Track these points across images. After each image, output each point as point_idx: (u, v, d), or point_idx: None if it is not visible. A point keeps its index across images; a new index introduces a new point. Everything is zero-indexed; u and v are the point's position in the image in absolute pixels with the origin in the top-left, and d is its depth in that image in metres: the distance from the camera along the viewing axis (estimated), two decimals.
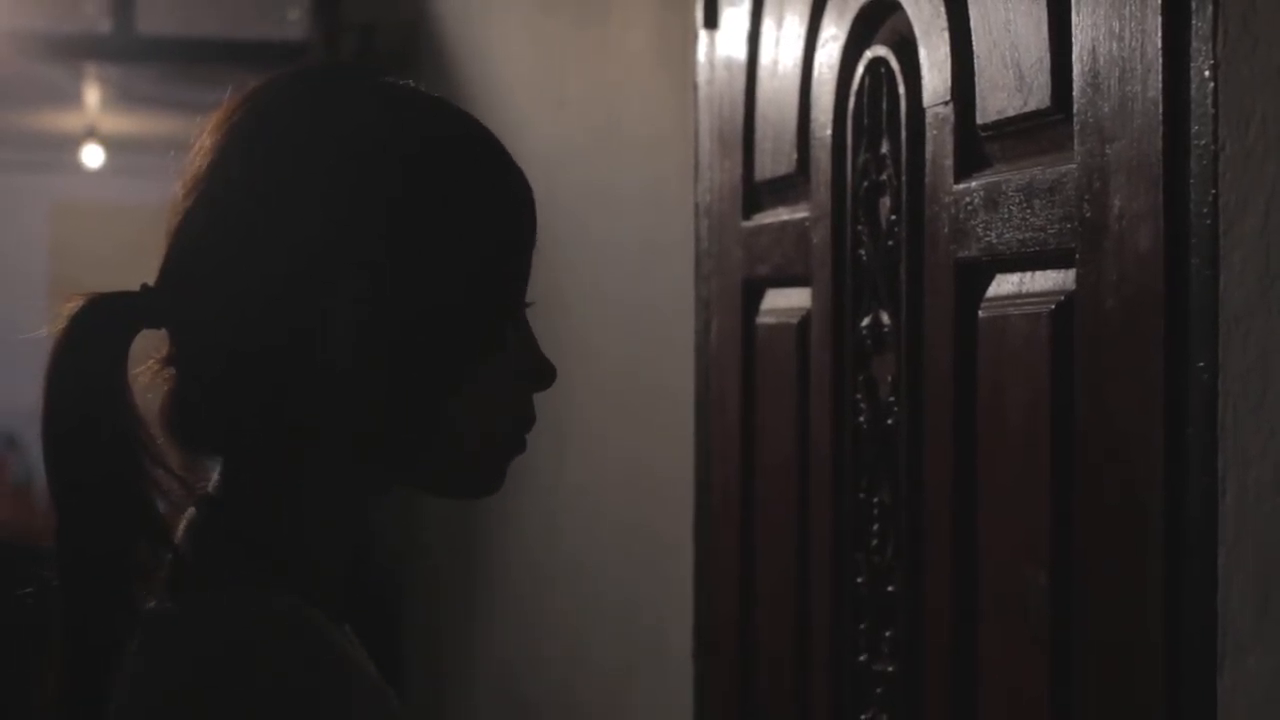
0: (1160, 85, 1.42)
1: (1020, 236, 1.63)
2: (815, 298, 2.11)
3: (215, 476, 1.23)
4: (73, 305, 1.18)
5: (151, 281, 1.21)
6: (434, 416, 1.20)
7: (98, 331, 1.17)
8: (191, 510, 1.23)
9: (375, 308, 1.17)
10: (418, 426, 1.20)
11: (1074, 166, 1.54)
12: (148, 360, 1.22)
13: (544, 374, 1.24)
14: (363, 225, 1.17)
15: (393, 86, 1.24)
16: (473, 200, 1.21)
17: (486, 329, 1.21)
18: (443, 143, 1.21)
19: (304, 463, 1.20)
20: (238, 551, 1.19)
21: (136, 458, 1.16)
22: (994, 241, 1.68)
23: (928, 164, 1.82)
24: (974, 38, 1.74)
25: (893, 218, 1.90)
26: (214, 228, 1.19)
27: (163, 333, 1.21)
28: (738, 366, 2.37)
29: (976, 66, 1.73)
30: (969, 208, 1.72)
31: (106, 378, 1.16)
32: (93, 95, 8.66)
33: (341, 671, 1.12)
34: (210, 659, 1.11)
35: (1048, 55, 1.59)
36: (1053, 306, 1.58)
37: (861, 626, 1.97)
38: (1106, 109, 1.49)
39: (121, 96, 8.65)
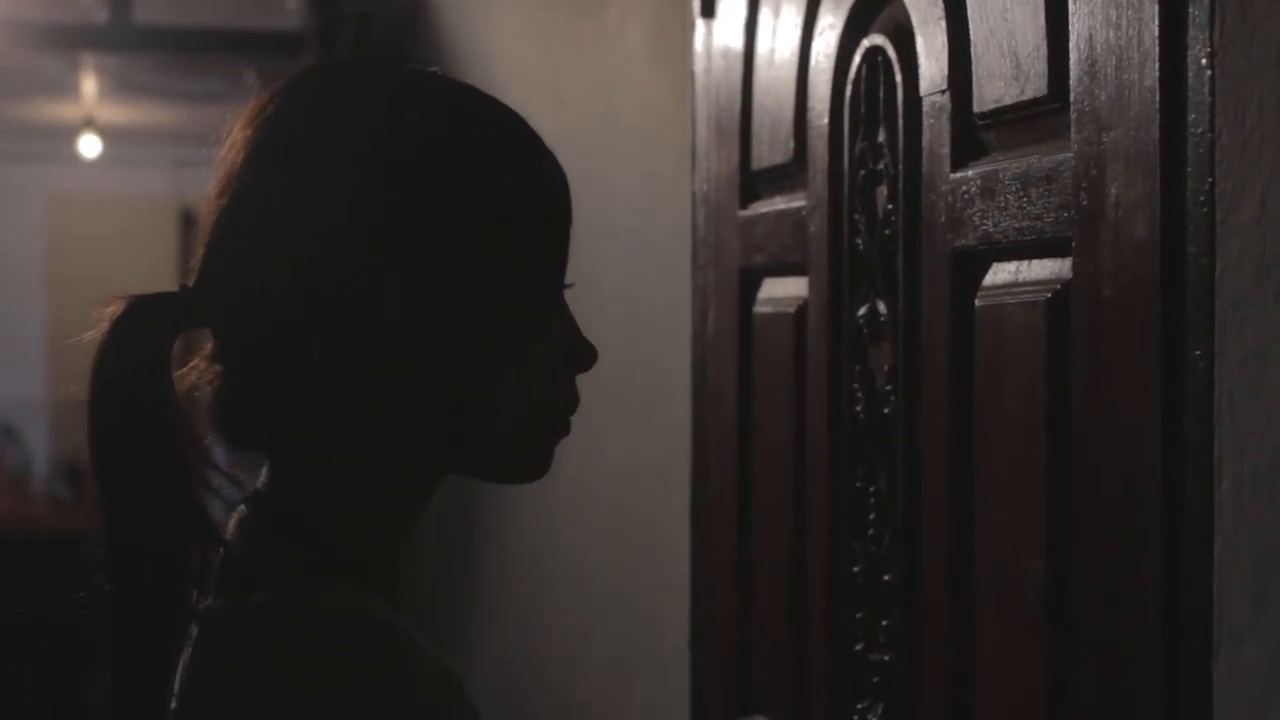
0: (1157, 73, 1.42)
1: (1017, 225, 1.63)
2: (812, 287, 2.11)
3: (264, 474, 1.23)
4: (114, 307, 1.17)
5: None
6: (483, 403, 1.20)
7: (141, 333, 1.16)
8: (242, 508, 1.23)
9: (421, 298, 1.17)
10: (467, 413, 1.20)
11: (1071, 155, 1.54)
12: (192, 359, 1.22)
13: (586, 355, 1.25)
14: (405, 217, 1.17)
15: (425, 77, 1.24)
16: (511, 187, 1.21)
17: (531, 313, 1.21)
18: (479, 132, 1.21)
19: (355, 455, 1.19)
20: (293, 547, 1.19)
21: (184, 457, 1.15)
22: (991, 230, 1.68)
23: (924, 153, 1.82)
24: (971, 26, 1.73)
25: (889, 207, 1.90)
26: (253, 225, 1.19)
27: (204, 331, 1.21)
28: (735, 356, 2.37)
29: (973, 55, 1.73)
30: (966, 196, 1.72)
31: (151, 378, 1.15)
32: (90, 85, 8.64)
33: (412, 663, 1.11)
34: (274, 656, 1.11)
35: (1044, 44, 1.59)
36: (1049, 295, 1.58)
37: (858, 616, 1.97)
38: (1103, 97, 1.49)
39: (119, 86, 8.64)
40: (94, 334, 1.17)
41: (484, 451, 1.23)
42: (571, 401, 1.25)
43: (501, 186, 1.21)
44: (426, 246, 1.17)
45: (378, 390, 1.18)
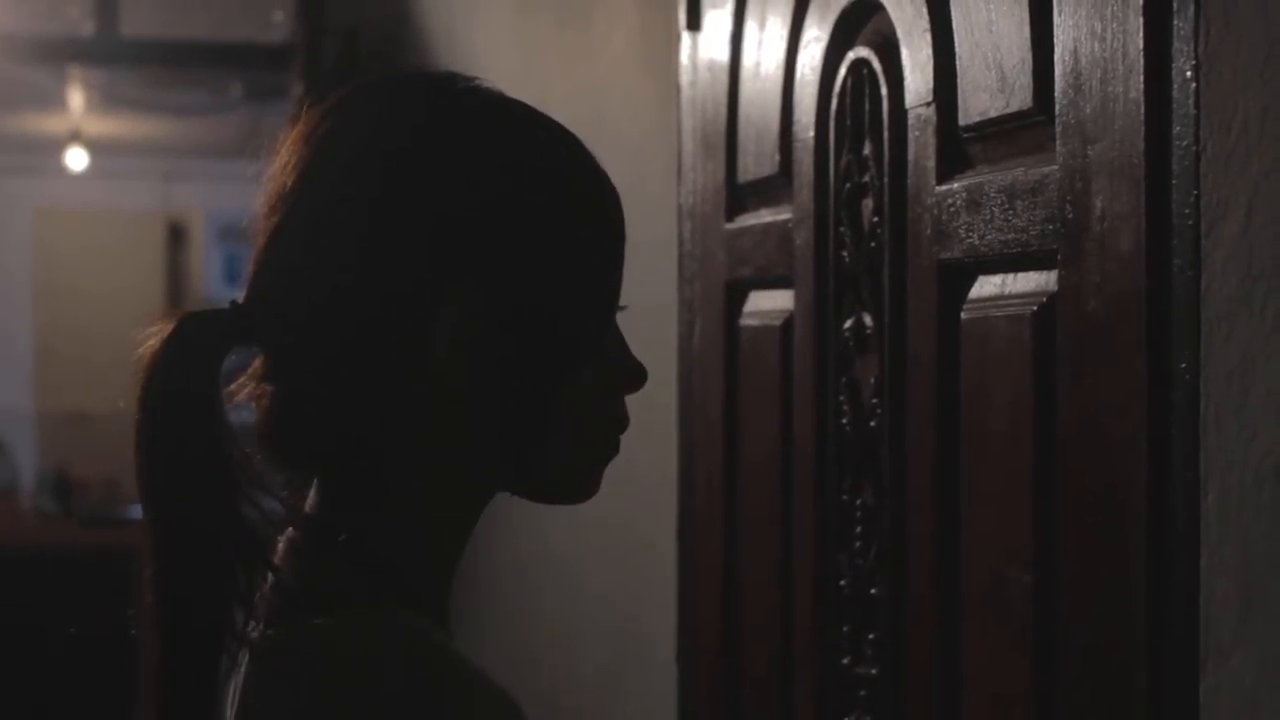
0: (1142, 86, 1.42)
1: (1002, 238, 1.63)
2: (798, 299, 2.11)
3: (313, 495, 1.21)
4: (164, 325, 1.16)
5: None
6: (539, 422, 1.19)
7: (191, 351, 1.15)
8: (290, 531, 1.21)
9: (481, 316, 1.16)
10: (526, 434, 1.19)
11: (1056, 168, 1.54)
12: (241, 378, 1.21)
13: (637, 375, 1.25)
14: (464, 236, 1.16)
15: (479, 93, 1.23)
16: (571, 204, 1.21)
17: (588, 332, 1.21)
18: (536, 149, 1.21)
19: (411, 477, 1.18)
20: (347, 571, 1.17)
21: (234, 480, 1.13)
22: (976, 243, 1.67)
23: (910, 165, 1.82)
24: (956, 39, 1.73)
25: (875, 219, 1.90)
26: (307, 243, 1.18)
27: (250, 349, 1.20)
28: (721, 368, 2.37)
29: (959, 68, 1.73)
30: (951, 209, 1.72)
31: (202, 398, 1.14)
32: (76, 98, 8.63)
33: (474, 687, 1.10)
34: (336, 682, 1.10)
35: (1029, 56, 1.59)
36: (1035, 308, 1.58)
37: (844, 629, 1.97)
38: (1088, 110, 1.49)
39: (105, 99, 8.63)
40: (142, 352, 1.15)
41: (535, 471, 1.22)
42: (622, 421, 1.24)
43: (562, 204, 1.20)
44: (486, 264, 1.16)
45: (433, 409, 1.17)
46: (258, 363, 1.20)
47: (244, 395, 1.20)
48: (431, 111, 1.20)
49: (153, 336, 1.16)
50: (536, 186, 1.19)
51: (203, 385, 1.14)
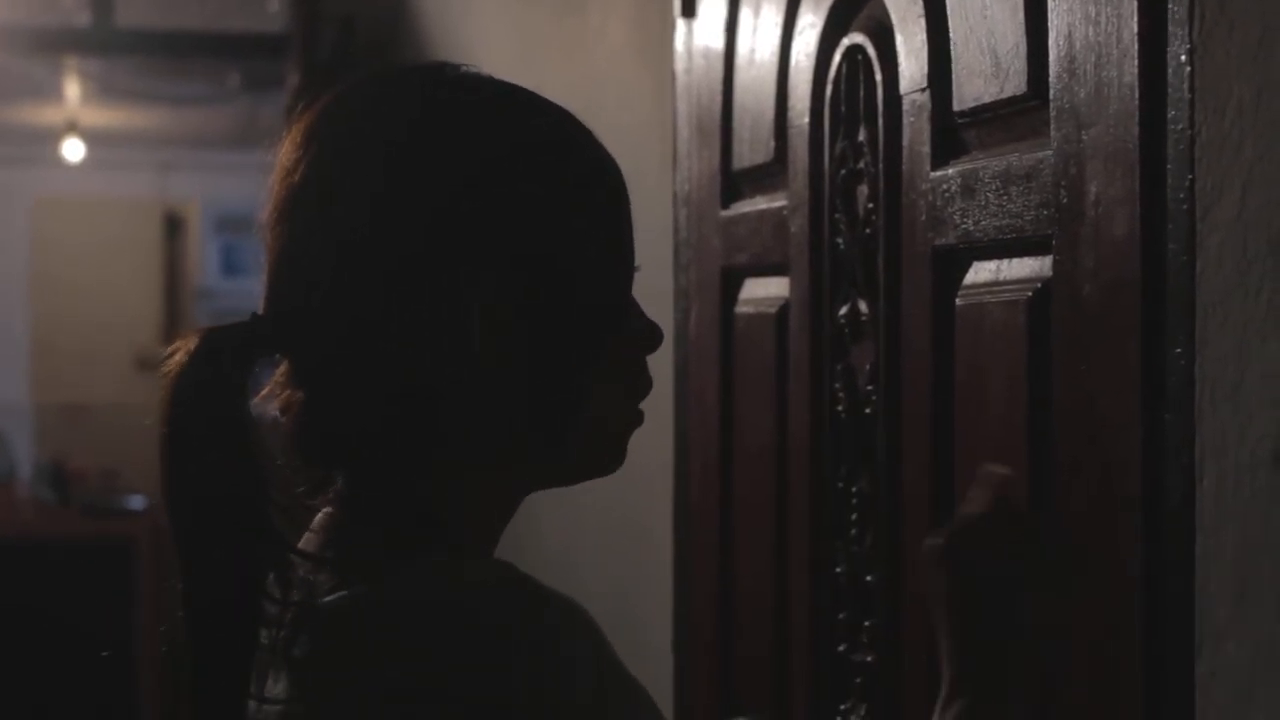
0: (1136, 70, 1.42)
1: (997, 224, 1.63)
2: (793, 287, 2.10)
3: (340, 486, 1.21)
4: (186, 342, 1.15)
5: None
6: (576, 399, 1.20)
7: (218, 370, 1.14)
8: (326, 510, 1.21)
9: (509, 302, 1.16)
10: (560, 411, 1.20)
11: (1050, 153, 1.54)
12: (269, 386, 1.20)
13: (654, 336, 1.26)
14: (483, 225, 1.16)
15: (470, 79, 1.23)
16: (585, 181, 1.21)
17: (615, 303, 1.22)
18: (542, 130, 1.21)
19: (449, 464, 1.18)
20: (400, 526, 1.16)
21: (266, 493, 1.14)
22: (971, 229, 1.67)
23: (905, 151, 1.82)
24: (950, 24, 1.73)
25: (870, 206, 1.90)
26: (325, 247, 1.17)
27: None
28: (716, 355, 2.36)
29: (953, 53, 1.73)
30: (946, 195, 1.72)
31: (231, 414, 1.13)
32: (73, 89, 8.63)
33: (565, 612, 1.12)
34: (448, 629, 1.08)
35: (1024, 41, 1.59)
36: (1030, 294, 1.58)
37: (841, 616, 1.97)
38: (1083, 95, 1.49)
39: (102, 90, 8.63)
40: (166, 370, 1.15)
41: (570, 448, 1.22)
42: (646, 386, 1.26)
43: (576, 183, 1.21)
44: (502, 249, 1.16)
45: (474, 397, 1.17)
46: (283, 369, 1.20)
47: (275, 405, 1.20)
48: (429, 105, 1.20)
49: (175, 354, 1.15)
50: (552, 166, 1.20)
51: (231, 406, 1.14)
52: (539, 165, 1.19)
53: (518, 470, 1.23)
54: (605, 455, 1.25)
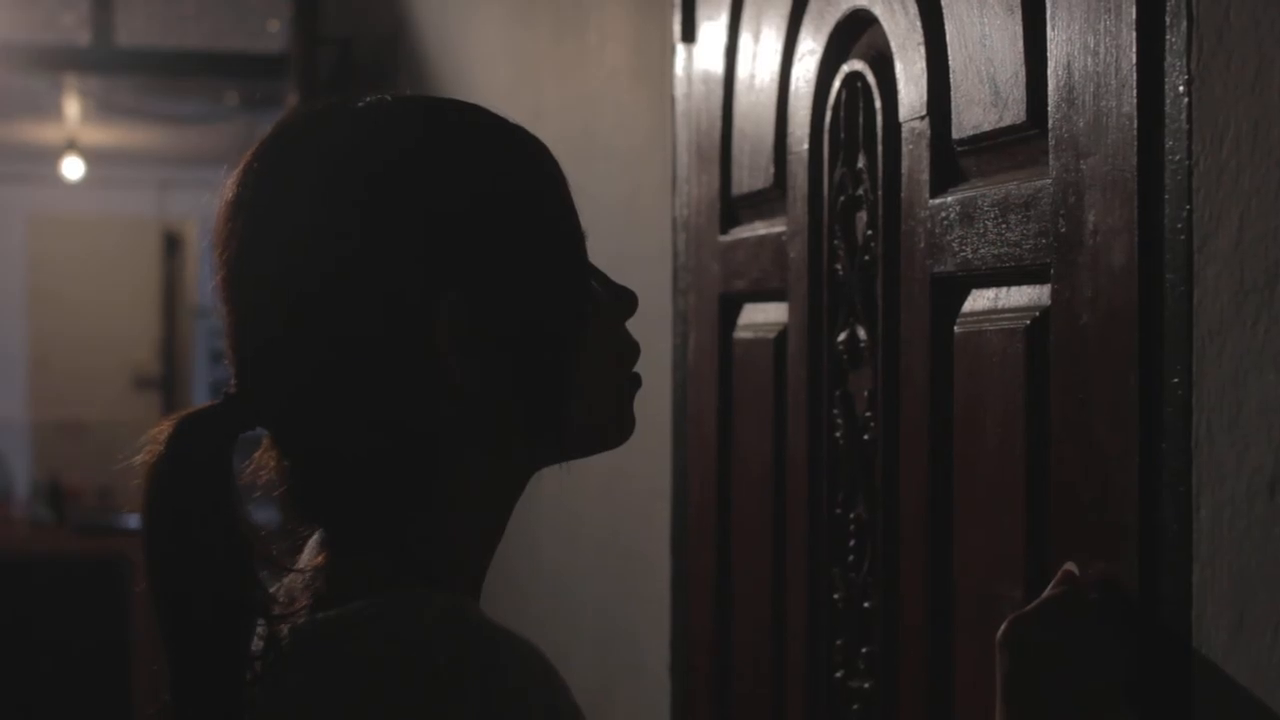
0: (1135, 100, 1.42)
1: (995, 252, 1.63)
2: (792, 312, 2.11)
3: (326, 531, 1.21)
4: (161, 430, 1.15)
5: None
6: (564, 387, 1.21)
7: (196, 452, 1.14)
8: (318, 536, 1.21)
9: (477, 318, 1.16)
10: (552, 403, 1.21)
11: (1049, 181, 1.54)
12: (254, 460, 1.20)
13: (627, 299, 1.27)
14: (431, 249, 1.16)
15: (396, 101, 1.23)
16: (514, 177, 1.22)
17: (578, 282, 1.23)
18: (481, 141, 1.22)
19: (443, 481, 1.19)
20: (383, 563, 1.17)
21: (251, 569, 1.13)
22: (969, 257, 1.67)
23: (904, 179, 1.82)
24: (950, 53, 1.74)
25: (869, 233, 1.90)
26: (276, 309, 1.16)
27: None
28: (715, 381, 2.37)
29: (952, 81, 1.73)
30: (945, 223, 1.72)
31: (210, 500, 1.13)
32: (72, 107, 8.64)
33: (523, 654, 1.12)
34: (384, 663, 1.07)
35: (1023, 70, 1.59)
36: (1028, 322, 1.58)
37: (838, 642, 1.97)
38: (1081, 124, 1.49)
39: (101, 108, 8.64)
40: (144, 457, 1.14)
41: (571, 431, 1.23)
42: (633, 350, 1.27)
43: (513, 180, 1.21)
44: (463, 265, 1.17)
45: (454, 414, 1.17)
46: (266, 440, 1.20)
47: (264, 479, 1.20)
48: (362, 136, 1.20)
49: (150, 443, 1.15)
50: (477, 177, 1.20)
51: (209, 492, 1.13)
52: (472, 175, 1.20)
53: (519, 455, 1.24)
54: (611, 427, 1.27)
